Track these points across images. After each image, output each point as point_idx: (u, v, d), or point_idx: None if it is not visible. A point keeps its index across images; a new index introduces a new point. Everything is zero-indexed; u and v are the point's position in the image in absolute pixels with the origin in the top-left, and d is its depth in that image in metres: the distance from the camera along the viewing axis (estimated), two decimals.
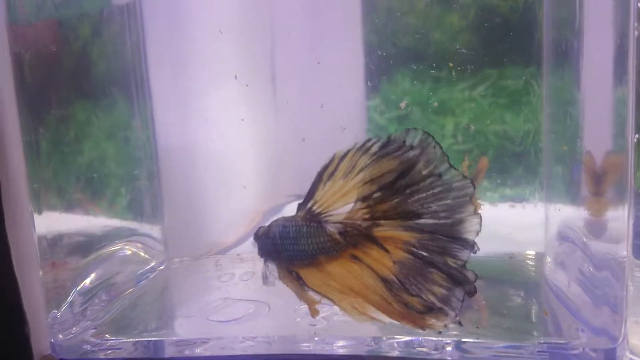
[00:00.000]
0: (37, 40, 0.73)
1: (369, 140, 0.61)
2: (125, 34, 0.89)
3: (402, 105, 0.83)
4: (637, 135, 0.61)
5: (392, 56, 0.83)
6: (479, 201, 0.60)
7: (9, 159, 0.67)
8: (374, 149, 0.60)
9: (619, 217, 0.62)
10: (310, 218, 0.63)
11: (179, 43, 0.92)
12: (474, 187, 0.59)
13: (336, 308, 0.69)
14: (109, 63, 0.86)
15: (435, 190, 0.59)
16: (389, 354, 0.66)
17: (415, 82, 0.82)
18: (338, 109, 0.84)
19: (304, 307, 0.70)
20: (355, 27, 0.87)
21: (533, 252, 0.85)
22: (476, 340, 0.65)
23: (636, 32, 0.58)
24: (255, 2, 0.91)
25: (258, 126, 0.92)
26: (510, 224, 0.85)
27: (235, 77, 0.88)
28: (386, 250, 0.60)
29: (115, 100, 0.88)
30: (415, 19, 0.84)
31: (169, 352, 0.70)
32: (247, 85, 0.89)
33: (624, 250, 0.62)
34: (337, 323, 0.70)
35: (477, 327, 0.67)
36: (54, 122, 0.75)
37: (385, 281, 0.60)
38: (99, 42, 0.84)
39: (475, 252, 0.59)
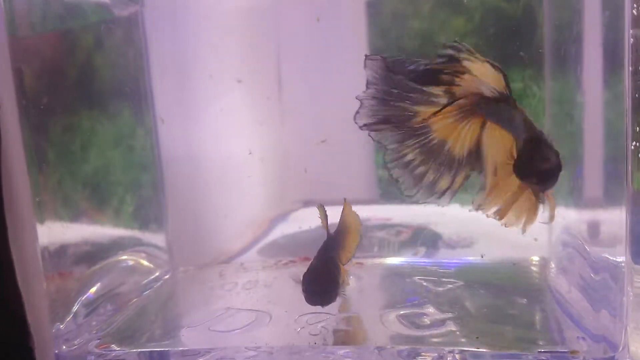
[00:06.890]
0: (39, 52, 0.73)
1: None
2: (128, 43, 0.89)
3: None
4: (634, 143, 0.60)
5: None
6: None
7: (11, 169, 0.67)
8: None
9: (616, 220, 0.62)
10: None
11: (181, 51, 0.92)
12: None
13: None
14: (112, 73, 0.87)
15: None
16: None
17: None
18: (345, 115, 0.83)
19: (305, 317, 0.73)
20: (360, 31, 0.87)
21: (537, 258, 0.84)
22: (477, 350, 0.64)
23: (631, 40, 0.58)
24: (259, 9, 0.91)
25: (264, 133, 0.92)
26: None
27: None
28: None
29: (119, 109, 0.88)
30: (420, 22, 0.83)
31: None
32: (239, 81, 0.90)
33: (622, 255, 0.61)
34: (338, 332, 0.70)
35: (477, 338, 0.66)
36: (56, 132, 0.75)
37: None
38: (102, 53, 0.85)
39: None
